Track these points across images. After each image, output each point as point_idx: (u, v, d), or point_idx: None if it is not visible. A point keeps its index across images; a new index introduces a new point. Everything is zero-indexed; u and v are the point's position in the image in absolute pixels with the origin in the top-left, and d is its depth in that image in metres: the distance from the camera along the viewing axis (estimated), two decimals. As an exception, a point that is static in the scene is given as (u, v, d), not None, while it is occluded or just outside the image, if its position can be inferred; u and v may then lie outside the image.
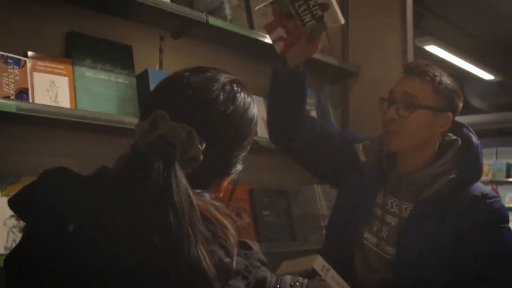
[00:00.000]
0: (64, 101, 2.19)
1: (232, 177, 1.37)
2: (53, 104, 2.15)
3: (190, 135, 1.19)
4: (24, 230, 1.21)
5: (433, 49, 6.59)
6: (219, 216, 1.17)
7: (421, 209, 2.13)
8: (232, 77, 1.36)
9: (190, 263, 1.07)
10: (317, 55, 3.07)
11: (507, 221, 2.16)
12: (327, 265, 1.78)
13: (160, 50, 2.62)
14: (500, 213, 2.14)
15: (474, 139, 2.22)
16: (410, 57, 3.32)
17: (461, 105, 2.22)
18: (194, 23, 2.57)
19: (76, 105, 2.22)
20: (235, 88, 1.33)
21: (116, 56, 2.42)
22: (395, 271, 2.12)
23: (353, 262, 2.21)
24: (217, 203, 1.22)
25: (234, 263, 1.14)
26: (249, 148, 1.38)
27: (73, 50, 2.31)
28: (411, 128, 2.13)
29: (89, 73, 2.30)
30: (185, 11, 2.50)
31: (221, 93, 1.29)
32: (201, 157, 1.21)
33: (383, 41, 3.40)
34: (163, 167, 1.10)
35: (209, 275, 1.08)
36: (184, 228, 1.07)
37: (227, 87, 1.31)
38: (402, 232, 2.14)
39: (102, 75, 2.34)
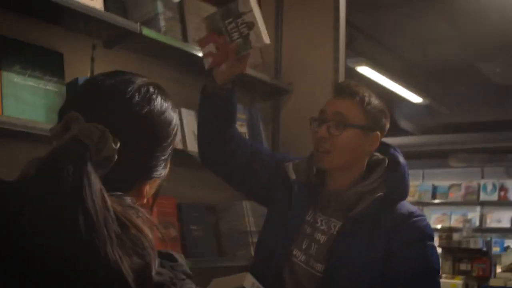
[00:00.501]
0: (-11, 107, 2.13)
1: (155, 182, 1.36)
2: (-23, 109, 2.09)
3: (103, 135, 1.17)
4: None
5: (365, 70, 6.70)
6: (137, 222, 1.15)
7: (350, 226, 2.17)
8: (150, 80, 1.35)
9: (107, 265, 1.05)
10: (249, 71, 3.09)
11: (432, 239, 2.24)
12: (256, 283, 1.78)
13: (92, 59, 2.57)
14: (425, 231, 2.21)
15: (401, 159, 2.28)
16: (341, 77, 3.36)
17: (388, 125, 2.29)
18: (128, 33, 2.54)
19: (2, 111, 2.16)
20: (151, 90, 1.32)
21: (46, 63, 2.36)
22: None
23: (281, 279, 2.23)
24: (138, 207, 1.20)
25: (153, 272, 1.12)
26: (170, 152, 1.37)
27: (2, 55, 2.23)
28: (342, 147, 2.18)
29: (17, 79, 2.24)
30: (119, 20, 2.47)
31: (136, 94, 1.28)
32: (116, 156, 1.18)
33: (315, 59, 3.44)
34: (73, 169, 1.07)
35: (127, 279, 1.06)
36: (98, 230, 1.05)
37: (143, 89, 1.30)
38: (331, 249, 2.17)
39: (31, 82, 2.28)
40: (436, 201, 11.33)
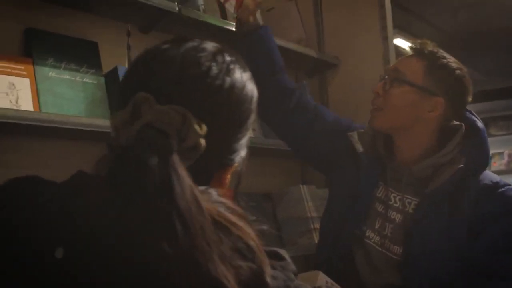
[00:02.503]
0: (26, 105, 1.95)
1: (234, 168, 1.11)
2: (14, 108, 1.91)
3: (185, 119, 0.94)
4: None
5: (399, 42, 6.49)
6: (235, 219, 0.92)
7: (428, 204, 1.95)
8: (222, 46, 1.11)
9: (211, 283, 0.83)
10: (293, 46, 2.91)
11: None
12: (330, 280, 1.67)
13: (128, 47, 2.37)
14: None
15: (479, 123, 2.05)
16: (391, 46, 3.14)
17: (466, 99, 2.06)
18: (165, 14, 2.34)
19: (40, 108, 1.98)
20: (228, 58, 1.08)
21: (81, 54, 2.18)
22: (403, 273, 1.93)
23: (353, 263, 2.01)
24: (228, 202, 0.95)
25: (268, 278, 0.90)
26: (251, 130, 1.13)
27: (33, 49, 2.06)
28: (394, 104, 2.00)
29: (52, 73, 2.06)
30: (155, 1, 2.26)
31: (213, 65, 1.05)
32: (203, 144, 0.96)
33: (360, 30, 3.22)
34: (159, 164, 0.85)
35: None
36: (195, 238, 0.83)
37: (219, 58, 1.07)
38: (409, 229, 1.95)
39: (67, 75, 2.10)
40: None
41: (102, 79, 2.21)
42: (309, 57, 3.10)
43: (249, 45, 2.15)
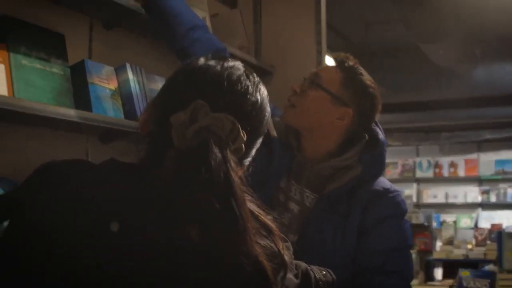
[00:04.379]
0: (1, 90, 2.01)
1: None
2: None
3: (234, 126, 1.14)
4: None
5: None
6: (257, 209, 1.15)
7: (325, 203, 2.13)
8: (245, 66, 1.33)
9: (252, 260, 1.03)
10: (235, 51, 3.04)
11: (406, 214, 2.23)
12: None
13: (90, 41, 2.47)
14: (400, 206, 2.20)
15: (381, 135, 2.25)
16: (324, 62, 3.35)
17: (374, 115, 2.25)
18: (129, 13, 2.43)
19: (13, 95, 2.04)
20: (256, 79, 1.30)
21: (50, 45, 2.24)
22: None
23: None
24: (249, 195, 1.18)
25: (286, 257, 1.12)
26: None
27: (8, 36, 2.10)
28: (306, 105, 2.17)
29: (25, 61, 2.11)
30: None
31: (249, 84, 1.26)
32: (244, 148, 1.16)
33: (296, 43, 3.42)
34: (221, 160, 1.06)
35: (267, 271, 1.06)
36: (247, 222, 1.04)
37: (251, 77, 1.29)
38: (306, 221, 2.14)
39: (37, 64, 2.16)
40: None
41: (68, 71, 2.28)
42: (249, 64, 3.25)
43: (155, 16, 2.29)
